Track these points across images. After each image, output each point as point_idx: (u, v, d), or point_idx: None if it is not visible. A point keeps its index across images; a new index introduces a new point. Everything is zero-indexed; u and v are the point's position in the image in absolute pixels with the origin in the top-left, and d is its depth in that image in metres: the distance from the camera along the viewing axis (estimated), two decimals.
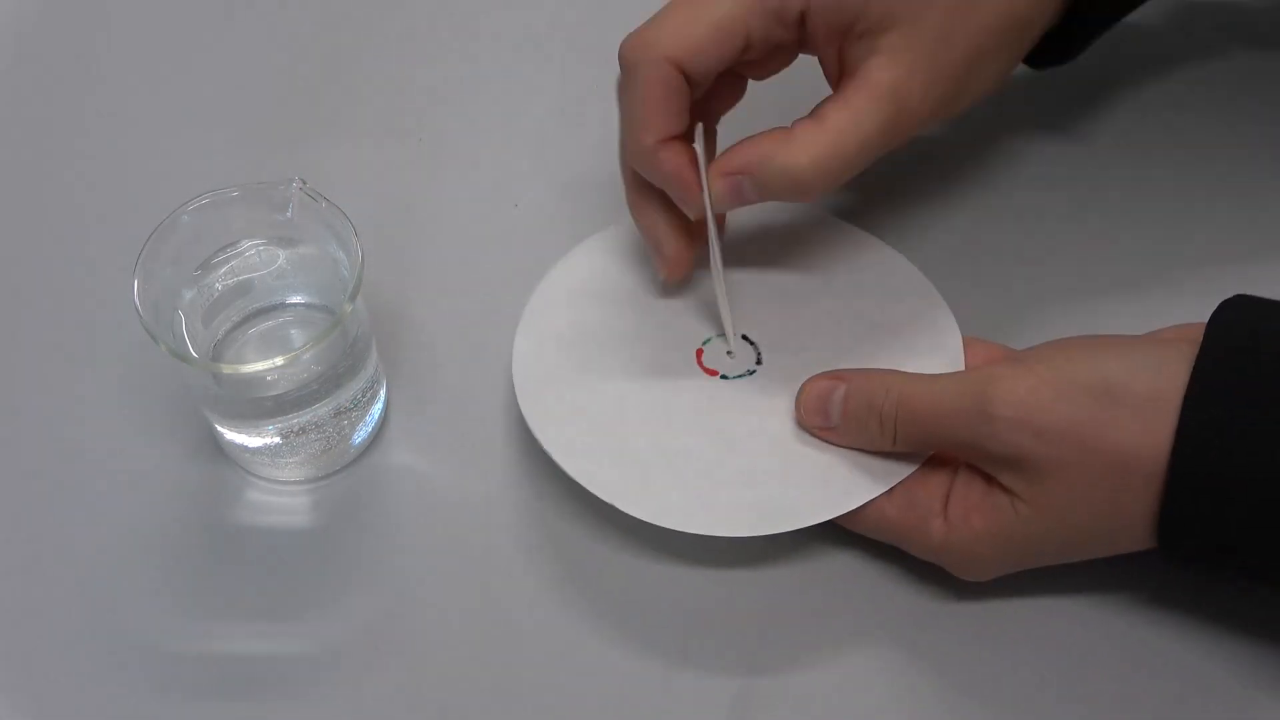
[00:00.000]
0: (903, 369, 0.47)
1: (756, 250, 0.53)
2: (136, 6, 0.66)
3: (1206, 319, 0.42)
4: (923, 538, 0.46)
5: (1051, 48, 0.51)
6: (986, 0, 0.47)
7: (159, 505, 0.50)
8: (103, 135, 0.61)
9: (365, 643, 0.48)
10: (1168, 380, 0.41)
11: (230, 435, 0.49)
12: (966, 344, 0.49)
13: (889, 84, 0.45)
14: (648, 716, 0.46)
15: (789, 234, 0.54)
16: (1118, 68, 0.57)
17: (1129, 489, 0.41)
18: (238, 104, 0.62)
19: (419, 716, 0.46)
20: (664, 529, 0.46)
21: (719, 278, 0.49)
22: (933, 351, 0.49)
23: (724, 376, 0.50)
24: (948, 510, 0.45)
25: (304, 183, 0.48)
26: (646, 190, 0.49)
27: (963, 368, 0.49)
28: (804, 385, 0.48)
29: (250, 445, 0.49)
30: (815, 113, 0.46)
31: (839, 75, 0.48)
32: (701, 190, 0.47)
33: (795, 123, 0.46)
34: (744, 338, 0.51)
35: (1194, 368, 0.41)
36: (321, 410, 0.48)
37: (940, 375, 0.46)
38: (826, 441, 0.47)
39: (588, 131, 0.60)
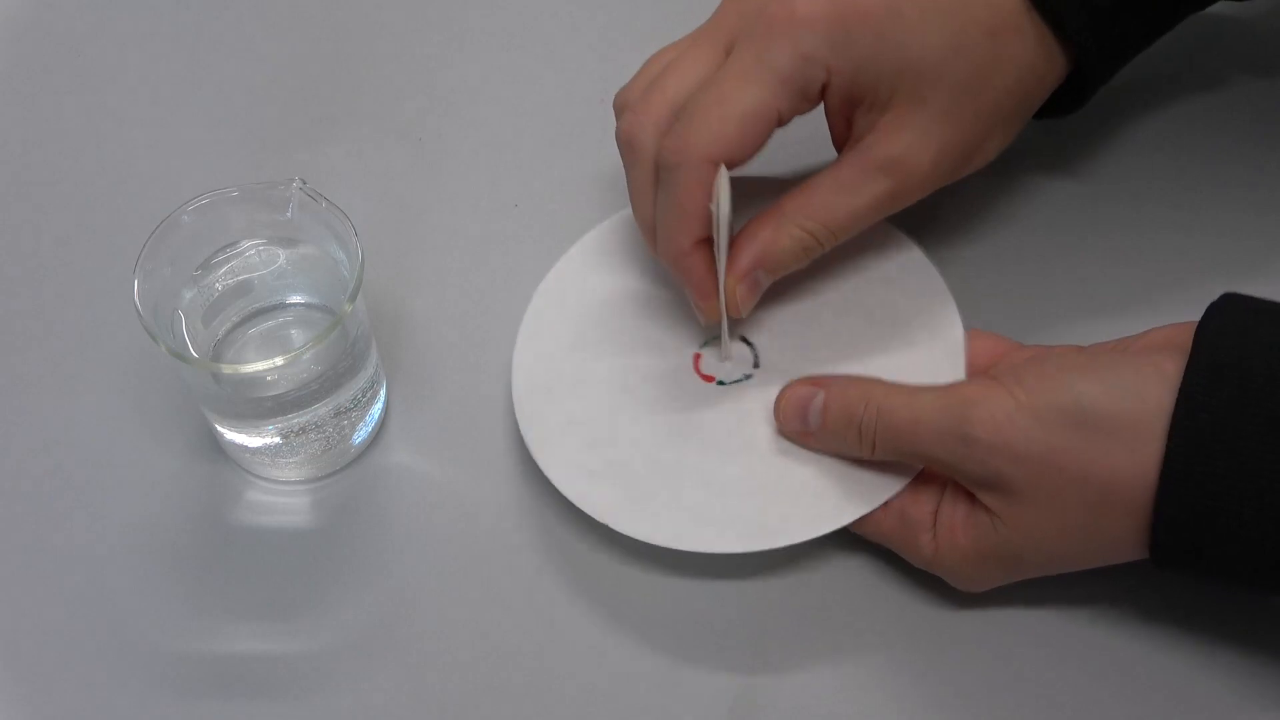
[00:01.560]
0: (901, 361, 0.47)
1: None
2: (136, 6, 0.66)
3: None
4: (915, 551, 0.46)
5: (1058, 101, 0.51)
6: (995, 79, 0.47)
7: (159, 505, 0.50)
8: (103, 135, 0.61)
9: (365, 643, 0.48)
10: (1146, 404, 0.41)
11: (230, 435, 0.49)
12: (972, 336, 0.49)
13: (885, 157, 0.47)
14: (646, 716, 0.46)
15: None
16: (1120, 85, 0.56)
17: (1110, 514, 0.41)
18: (238, 104, 0.62)
19: (419, 716, 0.46)
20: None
21: (724, 309, 0.49)
22: (931, 343, 0.49)
23: (720, 383, 0.50)
24: (936, 526, 0.45)
25: (304, 183, 0.48)
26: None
27: (963, 361, 0.49)
28: (783, 391, 0.48)
29: (250, 445, 0.49)
30: (805, 184, 0.47)
31: (843, 139, 0.49)
32: (717, 298, 0.48)
33: (783, 197, 0.48)
34: (742, 339, 0.50)
35: (1180, 391, 0.40)
36: (321, 410, 0.48)
37: (922, 389, 0.45)
38: (805, 447, 0.47)
39: (587, 131, 0.60)
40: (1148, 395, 0.41)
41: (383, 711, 0.46)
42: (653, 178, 0.48)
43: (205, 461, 0.51)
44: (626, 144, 0.48)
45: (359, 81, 0.63)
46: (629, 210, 0.54)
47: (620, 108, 0.50)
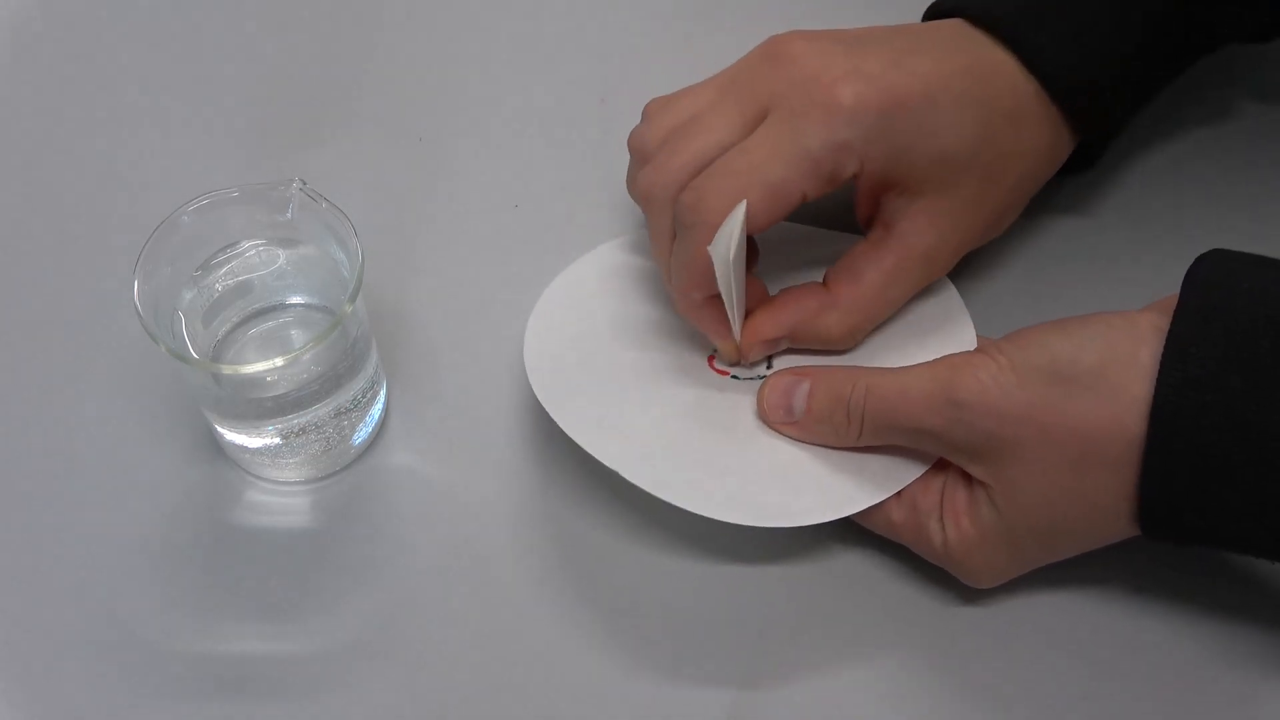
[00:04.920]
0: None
1: (772, 254, 0.52)
2: (136, 7, 0.66)
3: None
4: (927, 542, 0.46)
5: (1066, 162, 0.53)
6: (1016, 164, 0.49)
7: (159, 505, 0.50)
8: (103, 135, 0.61)
9: (365, 643, 0.48)
10: (1117, 353, 0.41)
11: (230, 436, 0.49)
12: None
13: (924, 249, 0.48)
14: (648, 717, 0.46)
15: (805, 243, 0.53)
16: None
17: (1093, 470, 0.42)
18: (238, 104, 0.62)
19: (419, 716, 0.46)
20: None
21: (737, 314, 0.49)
22: (944, 354, 0.49)
23: (735, 377, 0.50)
24: (943, 514, 0.45)
25: (304, 183, 0.48)
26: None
27: None
28: (766, 381, 0.48)
29: (250, 446, 0.49)
30: (851, 271, 0.49)
31: (870, 218, 0.50)
32: (731, 337, 0.49)
33: (830, 282, 0.49)
34: None
35: (1168, 336, 0.40)
36: (321, 411, 0.48)
37: (906, 367, 0.46)
38: (788, 437, 0.48)
39: (587, 132, 0.60)
40: (1118, 345, 0.41)
41: (383, 711, 0.46)
42: (671, 229, 0.48)
43: (205, 462, 0.51)
44: (645, 199, 0.48)
45: (359, 81, 0.63)
46: (636, 235, 0.54)
47: (638, 152, 0.50)
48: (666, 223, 0.48)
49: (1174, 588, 0.47)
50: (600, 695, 0.46)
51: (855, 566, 0.49)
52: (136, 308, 0.45)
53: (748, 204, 0.45)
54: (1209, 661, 0.46)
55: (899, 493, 0.46)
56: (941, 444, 0.44)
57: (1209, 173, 0.58)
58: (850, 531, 0.48)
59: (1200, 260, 0.42)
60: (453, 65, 0.63)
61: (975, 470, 0.44)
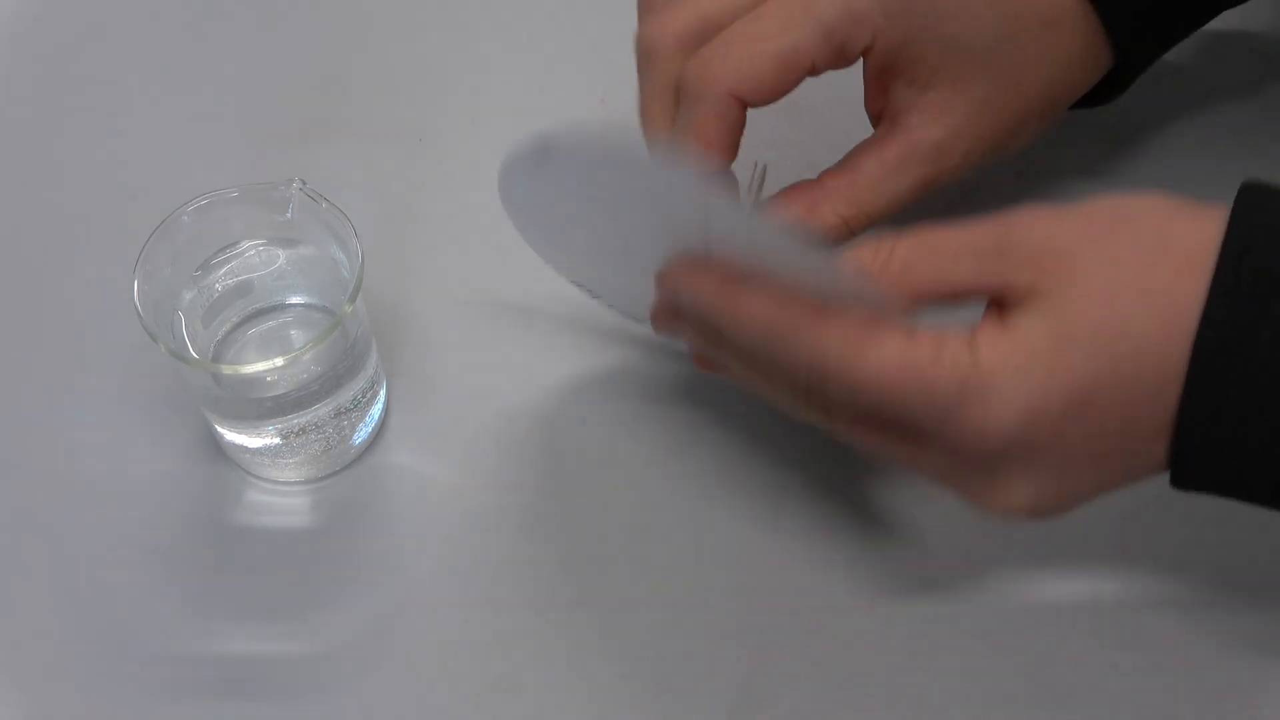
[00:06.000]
0: None
1: None
2: (136, 7, 0.66)
3: None
4: (935, 386, 0.37)
5: (1092, 92, 0.51)
6: (1041, 71, 0.47)
7: (159, 506, 0.50)
8: (103, 135, 0.61)
9: (365, 643, 0.48)
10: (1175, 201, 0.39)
11: (230, 436, 0.49)
12: None
13: (931, 142, 0.46)
14: (646, 717, 0.46)
15: None
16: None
17: (1168, 261, 0.38)
18: (238, 104, 0.62)
19: (419, 717, 0.46)
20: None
21: None
22: None
23: None
24: (973, 335, 0.38)
25: (304, 183, 0.48)
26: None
27: None
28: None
29: (250, 446, 0.49)
30: (848, 164, 0.47)
31: (880, 112, 0.48)
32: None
33: (825, 174, 0.47)
34: None
35: (1223, 241, 0.37)
36: (321, 411, 0.48)
37: None
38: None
39: None
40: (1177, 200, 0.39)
41: (383, 711, 0.46)
42: (667, 91, 0.46)
43: (205, 462, 0.51)
44: (645, 53, 0.46)
45: (359, 81, 0.63)
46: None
47: (644, 9, 0.48)
48: (659, 80, 0.46)
49: (1176, 585, 0.47)
50: (600, 696, 0.46)
51: (855, 568, 0.49)
52: (136, 308, 0.45)
53: (757, 76, 0.43)
54: (1211, 658, 0.46)
55: (905, 328, 0.38)
56: (989, 269, 0.39)
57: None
58: (850, 529, 0.48)
59: (1244, 190, 0.38)
60: (453, 65, 0.63)
61: (1023, 278, 0.38)
